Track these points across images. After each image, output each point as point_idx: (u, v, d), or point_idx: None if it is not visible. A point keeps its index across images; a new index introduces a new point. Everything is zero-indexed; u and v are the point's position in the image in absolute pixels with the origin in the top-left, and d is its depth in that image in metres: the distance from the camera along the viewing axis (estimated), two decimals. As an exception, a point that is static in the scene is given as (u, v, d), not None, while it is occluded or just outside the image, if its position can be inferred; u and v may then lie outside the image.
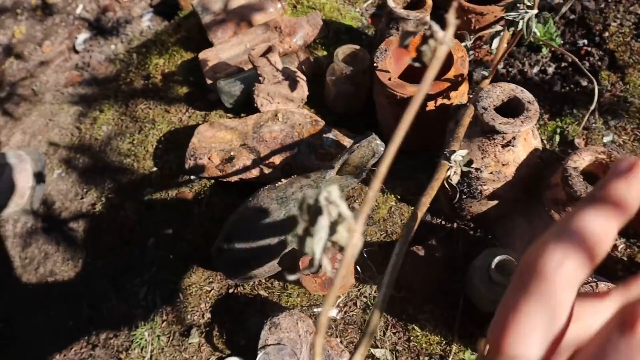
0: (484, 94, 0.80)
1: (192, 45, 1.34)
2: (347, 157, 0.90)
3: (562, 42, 1.16)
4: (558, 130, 1.02)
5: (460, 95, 0.96)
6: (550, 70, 1.13)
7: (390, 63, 0.99)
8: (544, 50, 1.14)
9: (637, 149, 0.98)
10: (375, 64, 0.96)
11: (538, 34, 1.13)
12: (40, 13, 2.01)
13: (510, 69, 1.15)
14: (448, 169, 0.71)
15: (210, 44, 1.25)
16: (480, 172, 0.82)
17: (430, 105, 0.94)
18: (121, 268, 1.14)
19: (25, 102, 1.70)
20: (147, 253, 1.13)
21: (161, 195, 1.16)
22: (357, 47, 1.05)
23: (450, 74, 0.93)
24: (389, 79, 0.94)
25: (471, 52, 1.08)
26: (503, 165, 0.81)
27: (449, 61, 0.98)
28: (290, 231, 0.89)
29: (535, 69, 1.13)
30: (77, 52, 1.88)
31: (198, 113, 1.24)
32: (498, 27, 1.02)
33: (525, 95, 0.79)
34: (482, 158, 0.81)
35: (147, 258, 1.13)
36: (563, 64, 1.12)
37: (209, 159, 1.05)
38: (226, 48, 1.21)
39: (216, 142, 1.07)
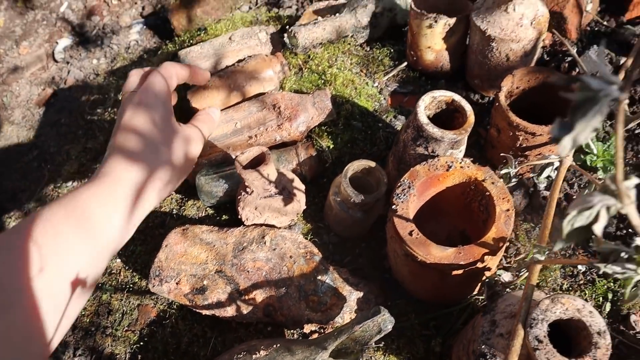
0: (538, 314, 0.59)
1: (184, 94, 1.09)
2: (346, 337, 0.70)
3: (622, 161, 0.94)
4: (609, 296, 0.82)
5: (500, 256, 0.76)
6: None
7: (413, 202, 0.77)
8: (601, 173, 0.92)
9: None
10: (394, 206, 0.75)
11: (595, 151, 0.92)
12: (22, 5, 1.73)
13: (564, 202, 0.94)
14: None
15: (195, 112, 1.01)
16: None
17: (457, 271, 0.73)
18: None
19: (-6, 116, 1.48)
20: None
21: (122, 298, 0.96)
22: (373, 164, 0.83)
23: (490, 237, 0.72)
24: (410, 233, 0.73)
25: (514, 179, 0.87)
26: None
27: (489, 213, 0.77)
28: None
29: (587, 196, 0.92)
30: (56, 60, 1.63)
31: (175, 196, 1.03)
32: (553, 158, 0.81)
33: (596, 321, 0.59)
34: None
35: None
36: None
37: (177, 284, 0.85)
38: (211, 124, 0.98)
39: (188, 262, 0.86)
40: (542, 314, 0.59)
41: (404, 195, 0.76)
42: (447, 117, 0.86)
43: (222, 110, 1.00)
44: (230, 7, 1.47)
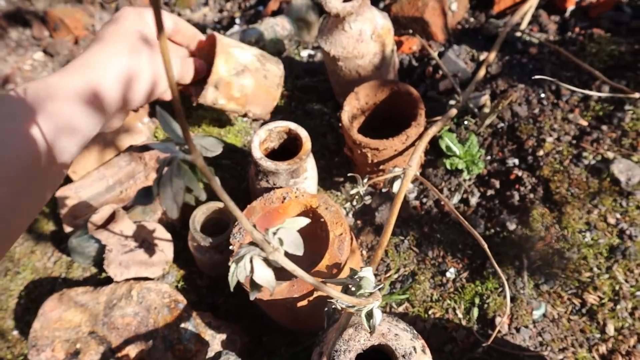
0: (341, 345, 0.59)
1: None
2: (193, 387, 0.70)
3: (488, 158, 0.93)
4: (477, 301, 0.81)
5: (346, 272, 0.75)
6: (474, 200, 0.90)
7: (254, 239, 0.77)
8: (466, 175, 0.91)
9: (576, 325, 0.77)
10: (230, 247, 0.75)
11: (458, 152, 0.91)
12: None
13: (424, 199, 0.93)
14: None
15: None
16: None
17: (302, 302, 0.73)
18: None
19: None
20: None
21: (20, 369, 0.97)
22: (221, 204, 0.83)
23: (323, 264, 0.72)
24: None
25: (367, 196, 0.87)
26: None
27: (325, 239, 0.76)
28: None
29: (456, 199, 0.91)
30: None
31: (64, 259, 1.04)
32: (397, 170, 0.81)
33: (401, 343, 0.58)
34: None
35: None
36: (489, 192, 0.90)
37: (52, 351, 0.85)
38: (86, 185, 1.00)
39: (62, 327, 0.87)
40: (345, 345, 0.59)
41: (240, 234, 0.76)
42: (293, 146, 0.86)
43: (95, 168, 1.01)
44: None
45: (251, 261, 0.37)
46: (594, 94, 0.86)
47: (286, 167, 0.79)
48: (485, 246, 0.69)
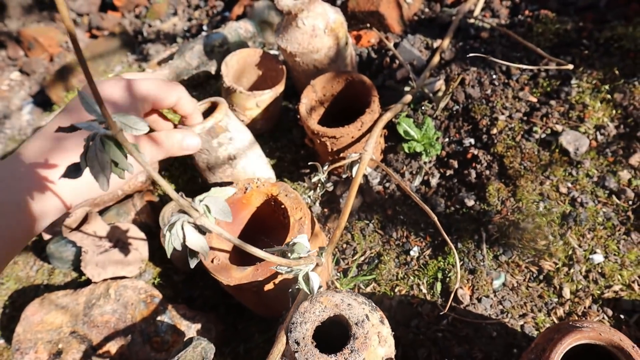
0: (297, 317, 0.62)
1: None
2: (169, 373, 0.73)
3: (446, 140, 0.97)
4: (439, 276, 0.84)
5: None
6: (434, 181, 0.94)
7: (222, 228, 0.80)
8: (425, 157, 0.95)
9: (534, 292, 0.80)
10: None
11: (416, 136, 0.94)
12: None
13: (387, 184, 0.96)
14: None
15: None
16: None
17: (269, 286, 0.76)
18: None
19: None
20: None
21: (6, 377, 1.00)
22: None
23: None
24: (212, 261, 0.76)
25: (329, 183, 0.90)
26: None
27: (288, 225, 0.80)
28: None
29: (417, 181, 0.94)
30: (-45, 156, 1.68)
31: (46, 266, 1.07)
32: (354, 155, 0.84)
33: (354, 312, 0.61)
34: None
35: None
36: (448, 172, 0.94)
37: (36, 353, 0.88)
38: (61, 192, 1.02)
39: (44, 330, 0.89)
40: (300, 317, 0.62)
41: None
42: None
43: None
44: (103, 71, 1.52)
45: (183, 228, 0.40)
46: (520, 66, 0.88)
47: (200, 127, 0.81)
48: (435, 218, 0.72)
